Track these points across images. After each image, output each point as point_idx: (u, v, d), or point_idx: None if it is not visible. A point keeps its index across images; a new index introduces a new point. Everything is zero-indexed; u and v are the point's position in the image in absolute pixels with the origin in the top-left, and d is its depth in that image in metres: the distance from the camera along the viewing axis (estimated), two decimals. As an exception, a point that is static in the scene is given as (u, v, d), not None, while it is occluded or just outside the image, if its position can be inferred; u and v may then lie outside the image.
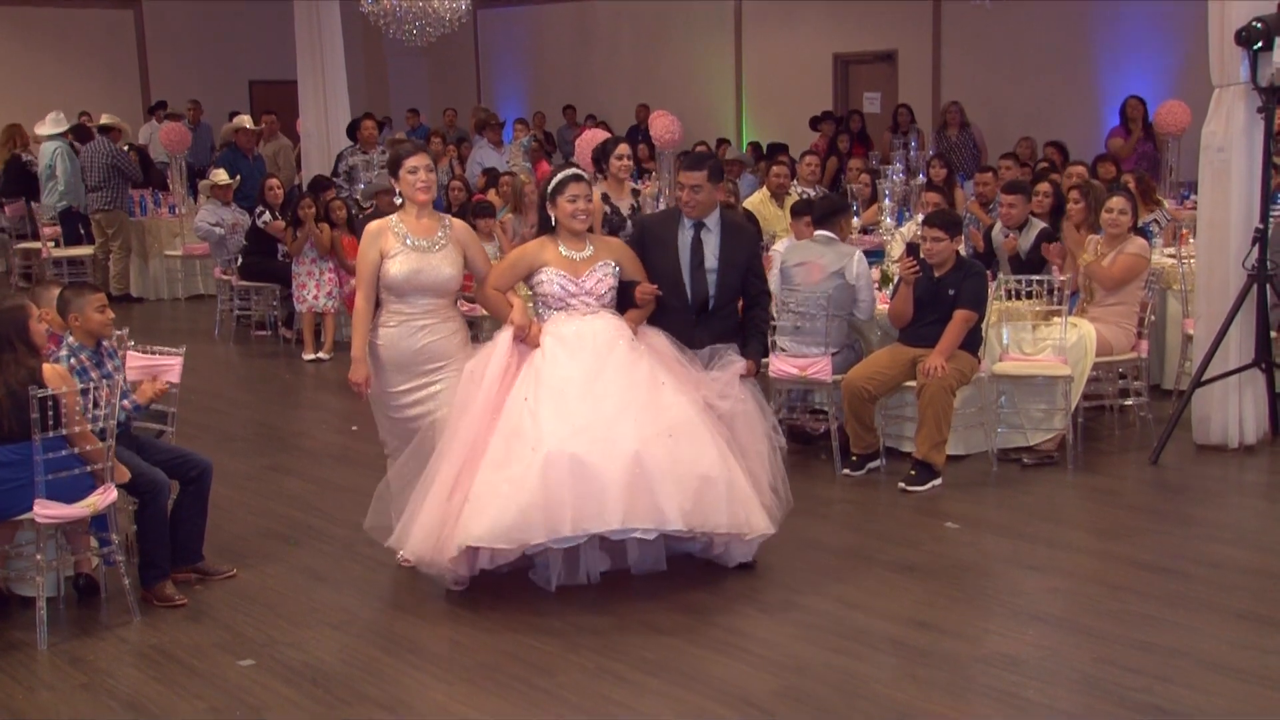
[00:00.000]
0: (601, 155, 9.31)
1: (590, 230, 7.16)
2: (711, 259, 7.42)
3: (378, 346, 6.91)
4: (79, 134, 17.88)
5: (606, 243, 7.25)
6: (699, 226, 7.44)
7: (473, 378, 6.74)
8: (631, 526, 6.41)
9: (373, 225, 7.02)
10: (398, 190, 7.00)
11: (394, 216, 7.00)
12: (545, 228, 7.06)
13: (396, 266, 6.82)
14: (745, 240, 7.65)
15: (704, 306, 7.42)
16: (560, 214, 6.91)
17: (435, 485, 6.56)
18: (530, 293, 7.11)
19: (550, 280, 6.89)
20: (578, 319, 6.87)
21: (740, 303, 7.60)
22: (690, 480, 6.45)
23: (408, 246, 6.85)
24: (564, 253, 6.93)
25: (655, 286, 7.12)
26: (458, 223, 7.17)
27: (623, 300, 7.09)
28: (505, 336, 6.86)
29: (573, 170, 7.08)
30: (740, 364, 7.10)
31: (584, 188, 6.95)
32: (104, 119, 17.27)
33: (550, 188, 6.95)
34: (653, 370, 6.76)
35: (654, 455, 6.41)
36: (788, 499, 6.97)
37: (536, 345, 6.80)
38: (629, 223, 9.04)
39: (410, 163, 6.95)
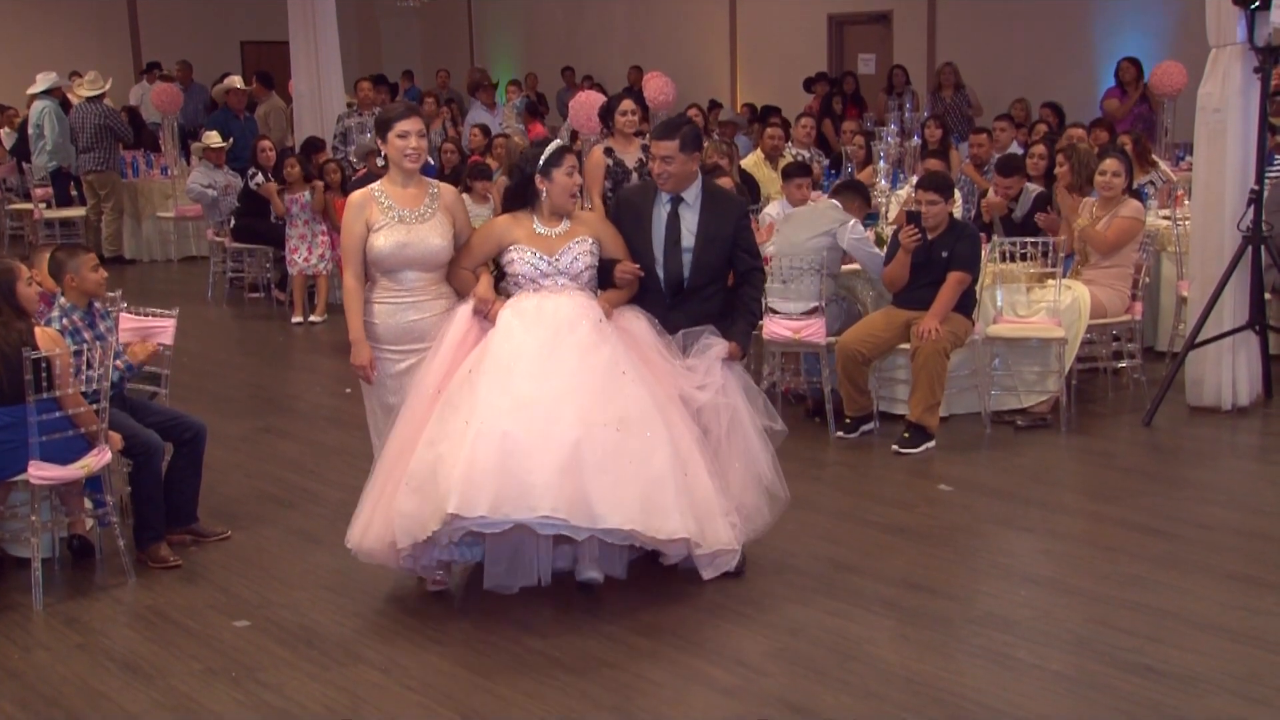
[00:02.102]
0: (607, 112, 9.62)
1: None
2: (688, 236, 6.71)
3: (372, 325, 6.44)
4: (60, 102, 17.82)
5: (584, 218, 6.66)
6: (677, 201, 6.74)
7: (427, 355, 6.30)
8: (560, 519, 5.78)
9: (355, 196, 6.50)
10: (383, 154, 6.53)
11: (377, 185, 6.50)
12: (517, 201, 6.53)
13: (382, 240, 6.31)
14: (729, 214, 6.83)
15: (679, 288, 6.73)
16: (556, 189, 6.37)
17: (379, 473, 6.20)
18: (500, 272, 6.59)
19: (521, 259, 6.36)
20: (541, 295, 6.35)
21: (727, 283, 6.94)
22: (633, 479, 5.87)
23: (393, 218, 6.35)
24: (538, 229, 6.40)
25: (638, 265, 6.58)
26: (446, 188, 6.63)
27: (604, 280, 6.58)
28: (464, 310, 6.36)
29: (561, 142, 6.56)
30: (720, 346, 6.49)
31: (575, 160, 6.46)
32: (86, 89, 17.09)
33: (543, 161, 6.36)
34: (614, 356, 6.17)
35: (595, 446, 5.84)
36: (784, 494, 6.48)
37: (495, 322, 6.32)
38: (634, 175, 9.19)
39: (401, 126, 6.37)
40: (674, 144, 6.61)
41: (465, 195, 12.08)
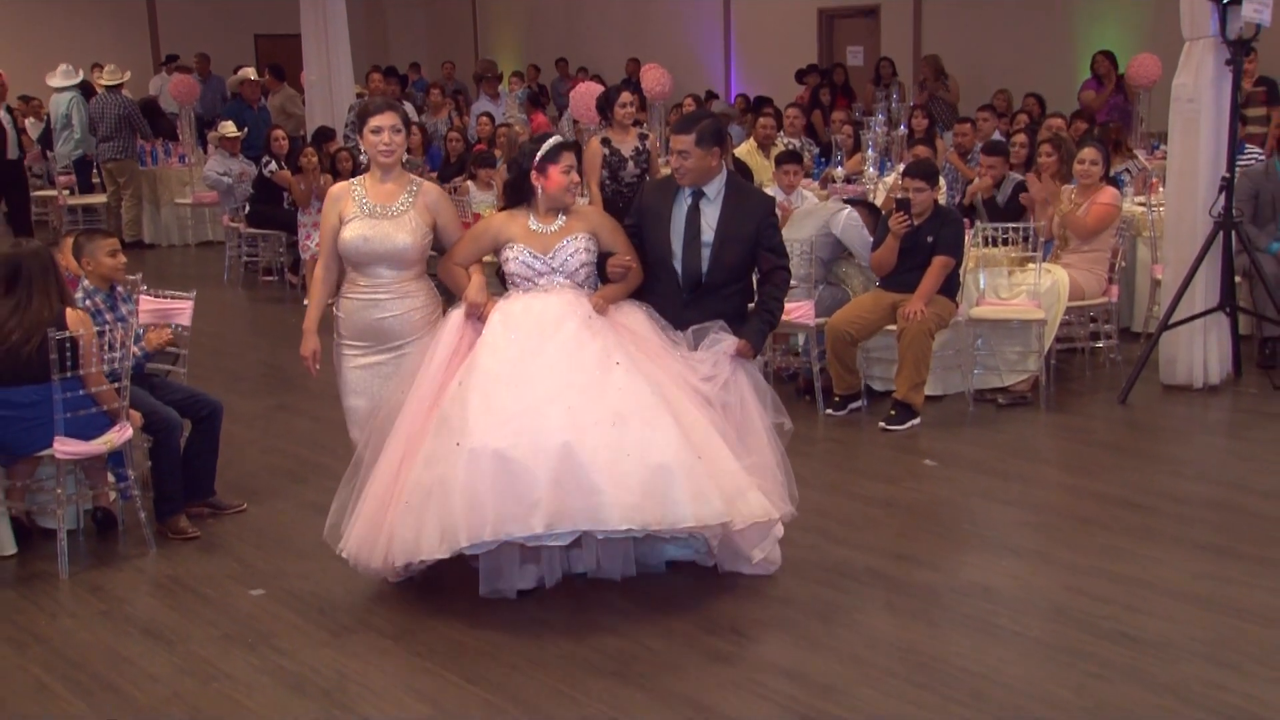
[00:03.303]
0: (606, 103, 9.79)
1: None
2: (708, 231, 6.41)
3: (337, 318, 6.38)
4: (84, 90, 18.00)
5: (582, 212, 6.39)
6: (698, 195, 6.46)
7: (418, 362, 6.09)
8: (560, 529, 5.62)
9: (335, 188, 6.43)
10: (362, 148, 6.43)
11: (359, 178, 6.40)
12: (514, 197, 6.33)
13: (348, 233, 6.18)
14: (753, 212, 6.51)
15: (696, 284, 6.43)
16: (552, 185, 6.14)
17: (376, 482, 5.93)
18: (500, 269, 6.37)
19: (516, 257, 6.13)
20: (530, 295, 6.12)
21: (748, 284, 6.68)
22: (638, 471, 5.59)
23: (363, 212, 6.21)
24: (533, 226, 6.17)
25: (629, 259, 6.30)
26: (429, 186, 6.43)
27: (604, 275, 6.33)
28: (456, 315, 6.14)
29: (560, 138, 6.27)
30: (730, 342, 6.20)
31: (573, 157, 6.21)
32: (107, 79, 17.27)
33: (541, 155, 6.14)
34: (606, 349, 5.89)
35: (589, 446, 5.58)
36: (793, 493, 6.18)
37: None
38: (630, 163, 9.40)
39: (375, 121, 6.24)
40: (690, 138, 6.36)
41: (469, 183, 12.31)
